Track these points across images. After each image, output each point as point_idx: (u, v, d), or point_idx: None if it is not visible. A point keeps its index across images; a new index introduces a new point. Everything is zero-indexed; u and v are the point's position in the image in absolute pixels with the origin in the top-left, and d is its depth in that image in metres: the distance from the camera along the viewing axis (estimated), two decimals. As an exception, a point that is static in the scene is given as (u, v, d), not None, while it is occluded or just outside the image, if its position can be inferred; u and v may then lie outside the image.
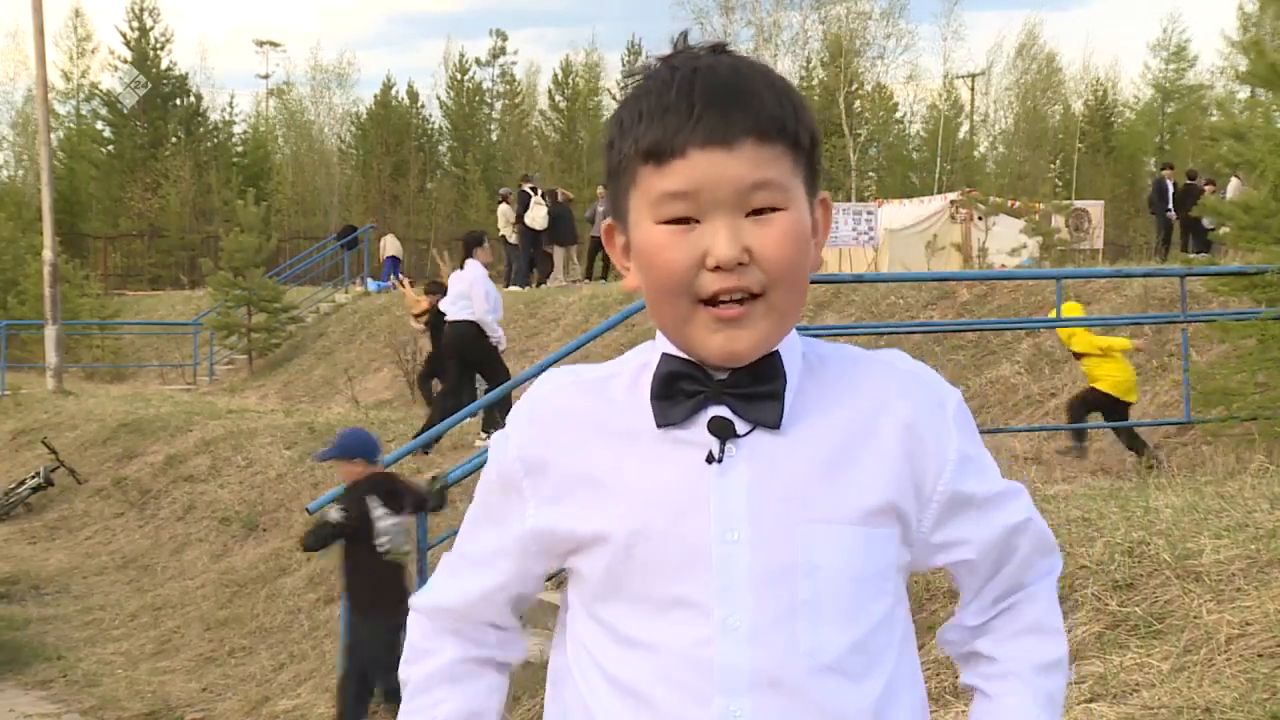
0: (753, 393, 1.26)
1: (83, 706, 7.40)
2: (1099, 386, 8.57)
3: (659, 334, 1.32)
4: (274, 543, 10.01)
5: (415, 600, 1.46)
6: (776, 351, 1.27)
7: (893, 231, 22.70)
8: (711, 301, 1.22)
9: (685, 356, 1.28)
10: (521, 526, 1.33)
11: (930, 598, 4.32)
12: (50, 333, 18.68)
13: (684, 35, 1.31)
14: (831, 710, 1.24)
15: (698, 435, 1.26)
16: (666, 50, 1.30)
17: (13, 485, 13.46)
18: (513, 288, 20.02)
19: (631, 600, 1.26)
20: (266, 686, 7.36)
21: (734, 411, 1.26)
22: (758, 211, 1.22)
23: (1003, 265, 18.42)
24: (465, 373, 10.35)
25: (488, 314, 10.20)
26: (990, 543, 1.35)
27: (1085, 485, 6.64)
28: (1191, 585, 3.89)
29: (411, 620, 1.46)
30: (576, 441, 1.30)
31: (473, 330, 10.17)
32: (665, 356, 1.29)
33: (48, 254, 18.76)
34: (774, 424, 1.25)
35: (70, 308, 23.54)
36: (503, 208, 21.69)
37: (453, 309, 10.28)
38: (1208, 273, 8.91)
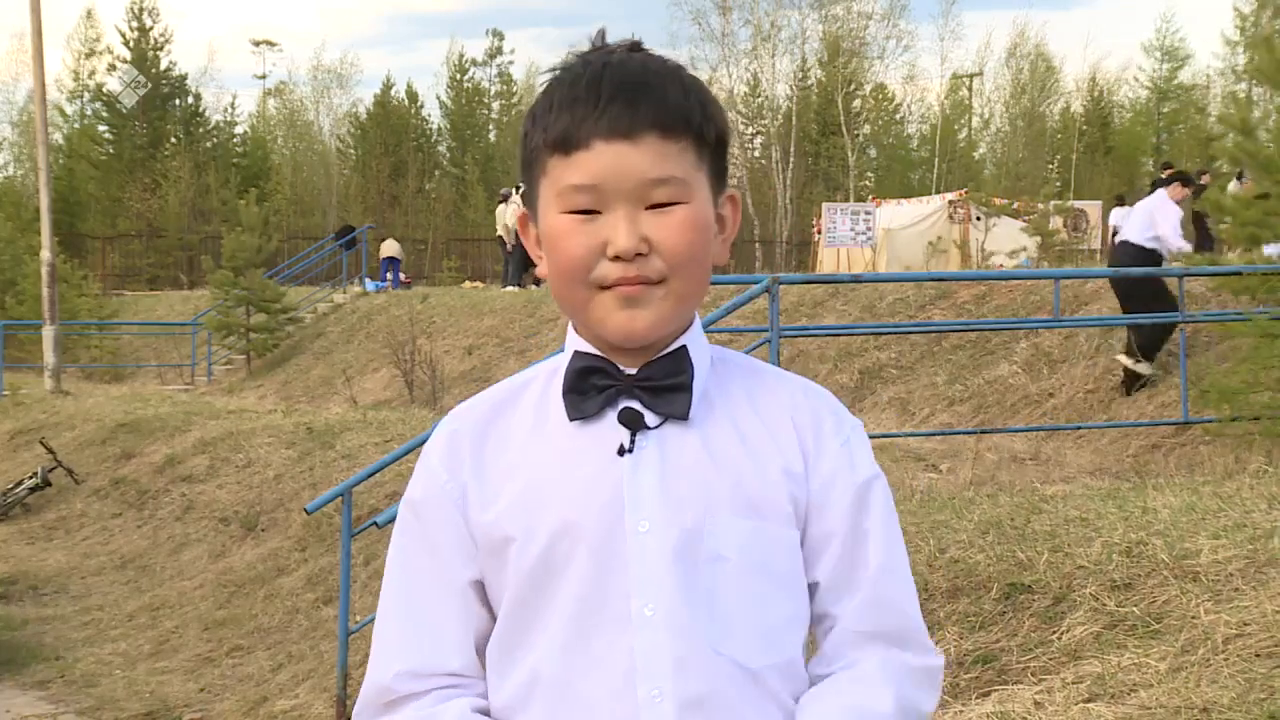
0: (662, 385, 1.29)
1: (80, 707, 7.39)
2: None
3: (569, 334, 1.35)
4: (272, 543, 9.99)
5: (365, 690, 1.33)
6: (684, 346, 1.31)
7: (891, 231, 22.73)
8: (611, 289, 1.26)
9: (596, 352, 1.31)
10: (456, 537, 1.32)
11: (929, 597, 4.31)
12: (48, 333, 18.65)
13: (601, 33, 1.36)
14: (741, 697, 1.25)
15: (610, 429, 1.29)
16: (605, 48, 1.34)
17: (11, 485, 13.44)
18: (510, 288, 20.16)
19: (553, 594, 1.27)
20: (264, 687, 7.35)
21: (644, 405, 1.29)
22: (658, 205, 1.25)
23: (1001, 265, 18.44)
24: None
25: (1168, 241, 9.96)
26: (830, 512, 1.30)
27: (1083, 485, 6.64)
28: (1189, 585, 3.88)
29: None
30: (494, 449, 1.33)
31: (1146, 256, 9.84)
32: (577, 353, 1.32)
33: (46, 254, 18.72)
34: (683, 415, 1.29)
35: (68, 308, 23.54)
36: (501, 208, 21.81)
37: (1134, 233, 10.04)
38: (1208, 273, 8.90)
